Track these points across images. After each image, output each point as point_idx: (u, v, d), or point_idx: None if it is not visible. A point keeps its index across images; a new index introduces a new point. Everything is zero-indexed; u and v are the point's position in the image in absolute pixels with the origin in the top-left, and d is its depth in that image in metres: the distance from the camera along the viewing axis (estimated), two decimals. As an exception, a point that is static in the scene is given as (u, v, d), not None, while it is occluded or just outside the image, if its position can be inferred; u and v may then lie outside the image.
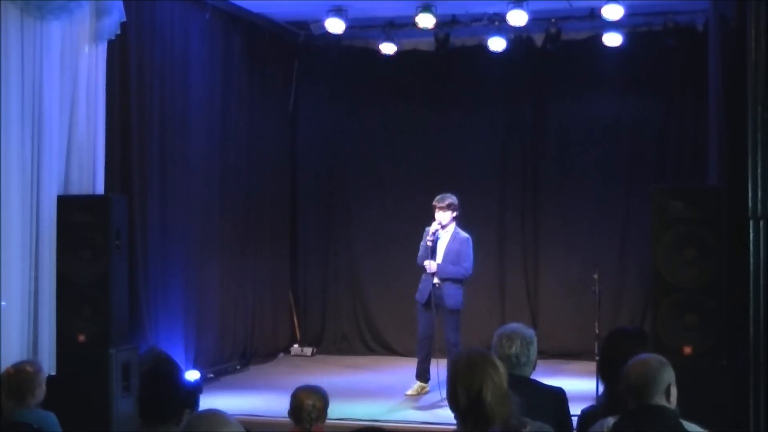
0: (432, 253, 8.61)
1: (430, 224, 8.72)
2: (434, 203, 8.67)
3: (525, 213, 11.14)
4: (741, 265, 6.41)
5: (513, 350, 4.37)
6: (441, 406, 7.92)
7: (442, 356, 8.51)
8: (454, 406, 3.43)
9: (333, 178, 11.75)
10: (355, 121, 11.63)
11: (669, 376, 3.68)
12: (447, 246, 8.66)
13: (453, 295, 8.60)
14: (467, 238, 8.70)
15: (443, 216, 8.62)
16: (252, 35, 10.72)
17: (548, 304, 10.98)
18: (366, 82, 11.52)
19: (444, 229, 8.66)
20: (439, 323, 8.71)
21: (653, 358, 3.74)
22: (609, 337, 4.55)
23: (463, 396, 3.36)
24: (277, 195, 11.38)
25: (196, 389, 3.97)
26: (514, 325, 4.53)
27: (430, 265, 8.58)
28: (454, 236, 8.68)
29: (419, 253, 8.73)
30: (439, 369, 8.39)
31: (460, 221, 8.78)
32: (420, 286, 8.74)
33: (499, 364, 3.45)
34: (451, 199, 8.66)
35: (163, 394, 3.81)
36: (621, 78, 10.79)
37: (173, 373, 4.04)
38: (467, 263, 8.65)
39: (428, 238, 8.61)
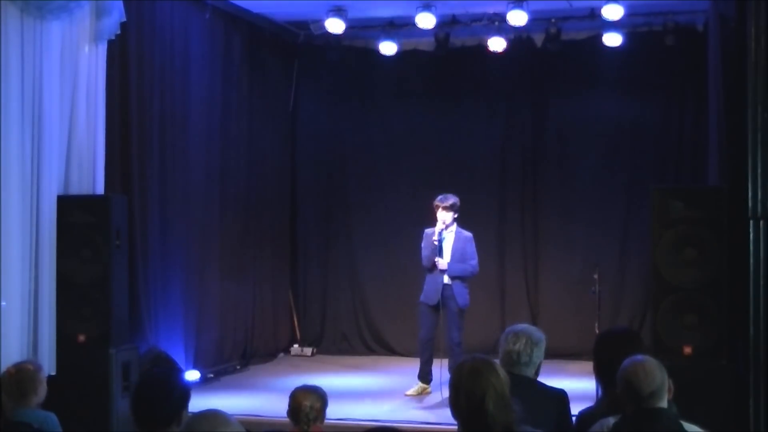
0: (439, 253, 8.61)
1: (430, 224, 8.71)
2: (437, 203, 8.65)
3: (525, 213, 11.13)
4: (741, 265, 6.41)
5: (516, 347, 4.35)
6: (442, 407, 7.92)
7: (443, 356, 8.52)
8: (455, 412, 3.44)
9: (333, 178, 11.74)
10: (355, 121, 11.62)
11: (664, 376, 3.67)
12: (453, 245, 8.64)
13: (462, 294, 8.62)
14: (470, 237, 8.71)
15: (446, 216, 8.60)
16: (252, 35, 10.71)
17: (548, 304, 10.96)
18: (366, 82, 11.51)
19: (447, 229, 8.66)
20: (442, 324, 8.68)
21: (646, 360, 3.70)
22: (599, 341, 4.47)
23: (465, 403, 3.37)
24: (277, 195, 11.38)
25: (188, 389, 3.90)
26: (525, 326, 4.52)
27: (441, 263, 8.58)
28: (458, 235, 8.67)
29: (425, 254, 8.67)
30: (441, 369, 8.39)
31: (460, 221, 8.77)
32: (426, 287, 8.69)
33: (502, 372, 3.44)
34: (454, 199, 8.65)
35: (159, 397, 3.74)
36: (621, 78, 10.77)
37: (169, 375, 3.98)
38: (474, 260, 8.67)
39: (434, 237, 8.59)
